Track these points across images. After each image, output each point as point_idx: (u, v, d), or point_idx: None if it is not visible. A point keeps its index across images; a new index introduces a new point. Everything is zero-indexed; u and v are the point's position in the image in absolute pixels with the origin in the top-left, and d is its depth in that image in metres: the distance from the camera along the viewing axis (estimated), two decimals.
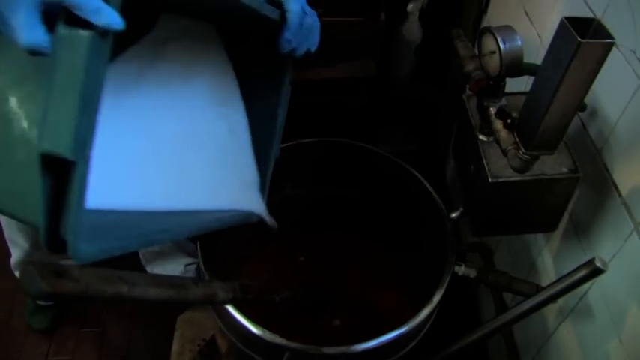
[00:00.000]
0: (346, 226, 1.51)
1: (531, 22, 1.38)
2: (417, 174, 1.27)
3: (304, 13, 0.88)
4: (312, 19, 0.92)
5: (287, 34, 0.87)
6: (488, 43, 0.95)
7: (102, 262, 0.66)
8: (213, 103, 0.99)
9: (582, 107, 1.04)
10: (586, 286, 1.13)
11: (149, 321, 1.85)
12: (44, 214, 0.63)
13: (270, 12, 0.84)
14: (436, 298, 1.08)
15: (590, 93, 1.07)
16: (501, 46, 0.91)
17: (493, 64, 0.95)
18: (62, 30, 0.59)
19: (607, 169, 1.05)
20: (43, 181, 0.62)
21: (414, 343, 1.12)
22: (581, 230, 1.15)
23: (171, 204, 0.88)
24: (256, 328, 1.02)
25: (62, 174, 0.62)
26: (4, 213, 0.72)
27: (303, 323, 1.30)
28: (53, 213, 0.64)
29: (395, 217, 1.42)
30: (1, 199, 0.71)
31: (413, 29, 1.75)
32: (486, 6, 1.73)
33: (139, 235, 0.76)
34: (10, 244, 1.66)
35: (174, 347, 1.51)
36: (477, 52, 1.03)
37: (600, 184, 1.07)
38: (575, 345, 1.19)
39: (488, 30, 0.94)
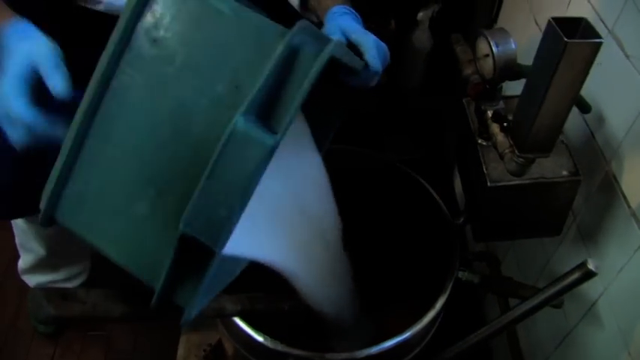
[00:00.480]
0: (351, 232, 1.51)
1: (541, 30, 1.36)
2: (422, 181, 1.27)
3: (381, 50, 0.86)
4: (384, 49, 0.88)
5: (371, 75, 0.85)
6: (482, 47, 0.95)
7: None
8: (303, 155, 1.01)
9: (586, 109, 1.03)
10: (594, 296, 1.11)
11: (154, 325, 1.84)
12: (164, 282, 0.65)
13: (358, 64, 0.82)
14: (439, 304, 1.07)
15: (600, 102, 1.07)
16: (494, 49, 0.91)
17: (487, 67, 0.95)
18: (244, 127, 0.59)
19: (616, 180, 1.04)
20: (173, 257, 0.63)
21: (418, 350, 1.11)
22: (590, 241, 1.14)
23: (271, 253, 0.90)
24: (259, 335, 1.02)
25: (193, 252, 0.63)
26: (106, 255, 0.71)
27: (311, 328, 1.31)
28: (171, 281, 0.65)
29: (401, 224, 1.42)
30: (104, 243, 0.70)
31: (423, 37, 1.75)
32: (497, 15, 1.73)
33: (224, 282, 0.80)
34: (21, 250, 1.67)
35: (180, 352, 1.53)
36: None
37: (609, 194, 1.06)
38: (582, 357, 1.18)
39: (482, 33, 0.94)
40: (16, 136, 0.71)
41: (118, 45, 0.65)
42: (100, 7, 1.07)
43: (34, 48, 0.72)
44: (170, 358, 1.55)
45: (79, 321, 0.68)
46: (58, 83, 0.70)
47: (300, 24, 0.63)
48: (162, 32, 0.66)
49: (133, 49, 0.66)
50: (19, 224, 1.56)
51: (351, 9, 0.95)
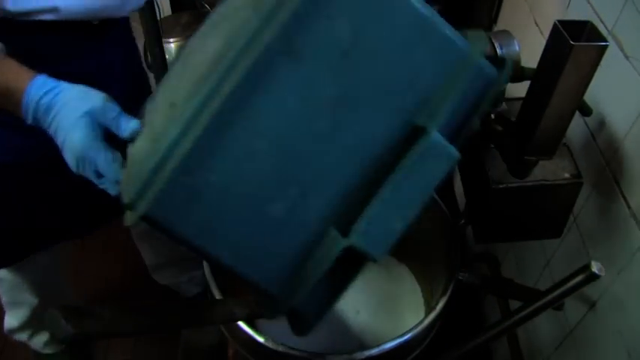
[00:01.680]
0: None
1: (541, 32, 1.37)
2: None
3: None
4: None
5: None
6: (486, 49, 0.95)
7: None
8: None
9: (587, 112, 1.03)
10: (594, 297, 1.11)
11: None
12: (301, 290, 0.63)
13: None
14: (440, 305, 1.07)
15: (599, 103, 1.07)
16: (498, 51, 0.91)
17: None
18: (438, 139, 0.59)
19: (616, 182, 1.04)
20: (329, 266, 0.61)
21: (418, 351, 1.12)
22: (590, 241, 1.14)
23: None
24: (260, 336, 1.02)
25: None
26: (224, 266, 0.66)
27: None
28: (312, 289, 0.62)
29: None
30: (219, 246, 0.64)
31: None
32: (496, 16, 1.73)
33: None
34: (8, 308, 1.52)
35: (180, 354, 1.52)
36: None
37: (610, 196, 1.06)
38: (582, 357, 1.18)
39: (486, 35, 0.94)
40: (112, 190, 0.75)
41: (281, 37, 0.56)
42: (50, 17, 0.96)
43: (90, 104, 0.75)
44: (171, 359, 1.55)
45: (99, 338, 0.66)
46: (127, 127, 0.74)
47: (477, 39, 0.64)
48: (357, 46, 0.59)
49: (309, 46, 0.58)
50: (4, 279, 1.42)
51: None
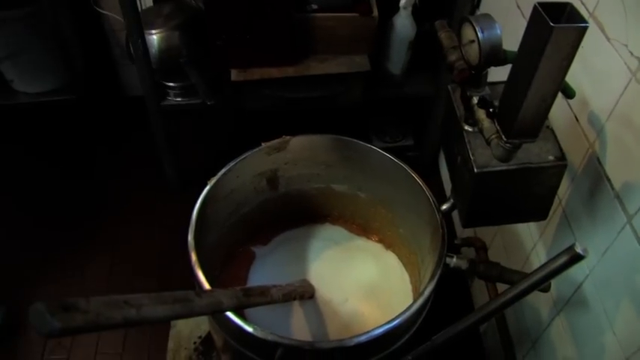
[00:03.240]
0: (339, 220, 1.52)
1: (523, 15, 1.37)
2: (407, 168, 1.27)
3: None
4: None
5: None
6: (468, 33, 0.95)
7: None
8: None
9: (570, 94, 1.03)
10: (580, 278, 1.12)
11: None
12: None
13: None
14: (427, 291, 1.07)
15: (582, 85, 1.07)
16: (479, 34, 0.91)
17: (473, 53, 0.94)
18: None
19: (600, 163, 1.05)
20: None
21: (407, 336, 1.12)
22: (575, 223, 1.15)
23: None
24: (248, 326, 1.02)
25: None
26: None
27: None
28: None
29: (387, 211, 1.42)
30: None
31: (406, 24, 1.74)
32: (479, 0, 1.73)
33: None
34: None
35: (170, 345, 1.52)
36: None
37: (593, 177, 1.07)
38: (569, 338, 1.19)
39: (467, 19, 0.94)
40: None
41: None
42: None
43: None
44: (161, 351, 1.55)
45: (85, 331, 0.65)
46: None
47: None
48: None
49: None
50: None
51: None
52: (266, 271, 1.41)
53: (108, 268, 1.97)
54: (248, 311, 1.26)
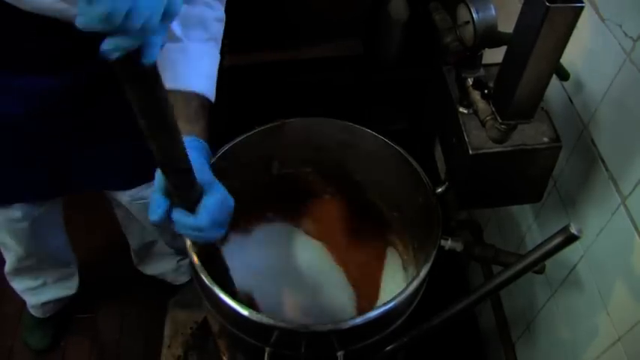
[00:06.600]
0: (335, 204, 1.52)
1: None
2: (402, 151, 1.27)
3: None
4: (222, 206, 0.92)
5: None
6: (463, 14, 0.94)
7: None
8: None
9: (565, 76, 1.03)
10: (574, 259, 1.13)
11: (141, 305, 1.86)
12: None
13: None
14: (423, 272, 1.07)
15: (576, 66, 1.07)
16: (474, 15, 0.90)
17: (468, 34, 0.94)
18: None
19: (594, 144, 1.05)
20: None
21: (403, 318, 1.12)
22: (570, 205, 1.15)
23: None
24: (244, 309, 1.02)
25: None
26: None
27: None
28: None
29: (382, 194, 1.42)
30: None
31: (399, 7, 1.74)
32: None
33: None
34: (3, 250, 1.57)
35: (167, 331, 1.52)
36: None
37: (588, 158, 1.07)
38: (564, 318, 1.20)
39: (462, 0, 0.93)
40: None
41: None
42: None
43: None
44: (157, 337, 1.55)
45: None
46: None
47: None
48: None
49: None
50: None
51: (201, 141, 0.96)
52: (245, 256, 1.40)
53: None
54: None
